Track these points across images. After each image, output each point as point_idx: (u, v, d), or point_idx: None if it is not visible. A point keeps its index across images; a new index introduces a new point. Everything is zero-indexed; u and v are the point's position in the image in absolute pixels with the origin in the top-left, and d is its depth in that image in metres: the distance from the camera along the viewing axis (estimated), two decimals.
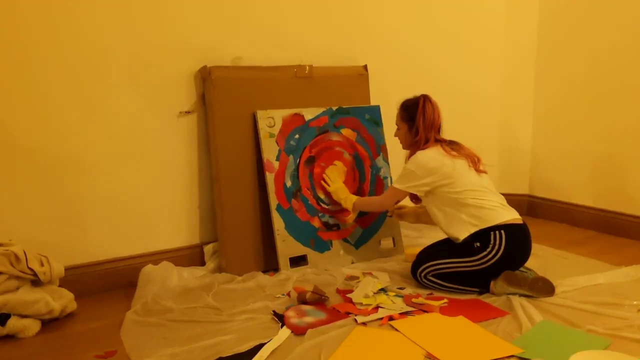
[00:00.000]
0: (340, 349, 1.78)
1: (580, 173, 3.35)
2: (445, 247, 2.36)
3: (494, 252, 2.19)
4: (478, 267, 2.21)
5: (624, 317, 1.97)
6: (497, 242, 2.19)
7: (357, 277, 2.46)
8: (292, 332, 1.92)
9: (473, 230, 2.23)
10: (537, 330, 1.89)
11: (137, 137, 2.49)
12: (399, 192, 2.40)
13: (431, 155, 2.31)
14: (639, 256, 2.70)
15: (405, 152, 2.49)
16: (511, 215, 2.26)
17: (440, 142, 2.36)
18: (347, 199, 2.59)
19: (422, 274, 2.30)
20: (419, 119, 2.35)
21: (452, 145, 2.36)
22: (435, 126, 2.36)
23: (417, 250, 2.52)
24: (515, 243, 2.21)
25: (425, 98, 2.37)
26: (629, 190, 3.09)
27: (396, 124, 2.49)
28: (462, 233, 2.26)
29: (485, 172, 2.35)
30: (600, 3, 3.14)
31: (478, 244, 2.21)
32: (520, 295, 2.17)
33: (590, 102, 3.27)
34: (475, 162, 2.34)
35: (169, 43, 2.51)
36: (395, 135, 2.51)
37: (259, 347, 1.81)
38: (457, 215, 2.28)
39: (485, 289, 2.24)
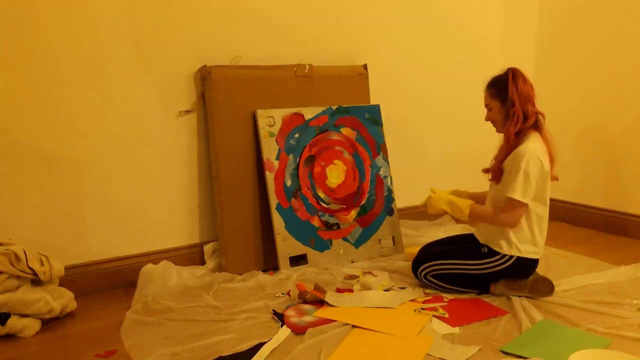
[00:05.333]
0: (340, 348, 1.78)
1: (581, 172, 3.35)
2: (449, 248, 2.31)
3: (499, 262, 2.16)
4: (480, 272, 2.19)
5: (624, 316, 1.97)
6: (507, 258, 2.15)
7: (357, 277, 2.46)
8: (292, 331, 1.92)
9: (529, 256, 2.13)
10: (537, 330, 1.89)
11: (137, 136, 2.49)
12: (524, 208, 2.10)
13: (541, 150, 2.10)
14: (639, 255, 2.70)
15: (495, 139, 2.28)
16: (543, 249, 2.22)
17: (539, 126, 2.16)
18: (462, 203, 2.17)
19: (422, 274, 2.29)
20: (512, 91, 2.12)
21: (541, 132, 2.16)
22: (531, 99, 2.14)
23: (417, 249, 2.51)
24: (521, 268, 2.17)
25: (514, 70, 2.17)
26: (629, 189, 3.09)
27: (486, 106, 2.24)
28: (510, 250, 2.13)
29: (557, 178, 2.19)
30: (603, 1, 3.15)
31: (485, 250, 2.19)
32: (520, 296, 2.17)
33: (589, 101, 3.26)
34: (552, 164, 2.17)
35: (168, 42, 2.51)
36: (487, 119, 2.25)
37: (259, 346, 1.81)
38: (520, 229, 2.12)
39: (484, 291, 2.23)
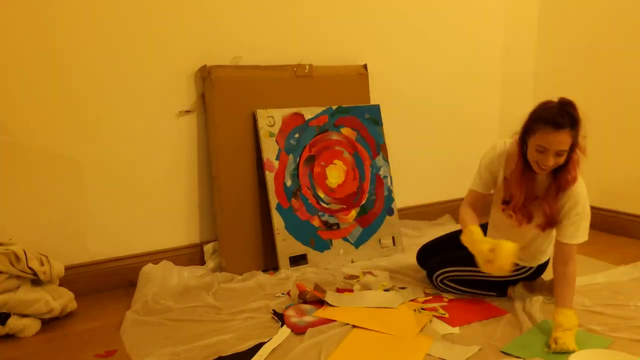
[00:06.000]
0: (340, 348, 1.78)
1: (581, 172, 3.34)
2: (463, 253, 2.07)
3: (522, 272, 2.12)
4: (498, 279, 2.11)
5: (625, 317, 1.97)
6: (526, 268, 2.12)
7: (357, 276, 2.46)
8: (291, 331, 1.92)
9: (544, 260, 2.13)
10: (538, 330, 1.89)
11: (137, 136, 2.49)
12: None
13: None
14: (639, 255, 2.70)
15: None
16: None
17: None
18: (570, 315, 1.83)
19: (439, 279, 2.24)
20: (579, 133, 1.84)
21: None
22: None
23: None
24: (539, 272, 2.17)
25: (572, 102, 1.84)
26: (629, 188, 3.09)
27: (563, 148, 1.82)
28: (541, 259, 2.10)
29: None
30: None
31: None
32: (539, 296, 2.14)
33: (589, 102, 3.26)
34: None
35: (168, 42, 2.51)
36: (553, 165, 1.84)
37: (259, 346, 1.81)
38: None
39: (502, 293, 2.19)
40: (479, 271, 1.99)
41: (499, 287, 2.19)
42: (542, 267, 2.17)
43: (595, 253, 2.75)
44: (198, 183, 2.67)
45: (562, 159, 1.83)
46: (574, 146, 1.85)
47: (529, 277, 2.16)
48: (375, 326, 1.94)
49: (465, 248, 2.00)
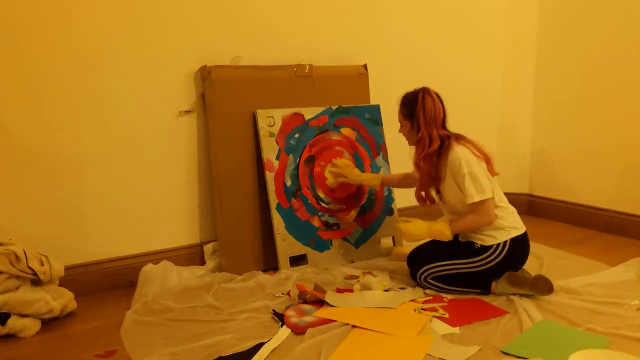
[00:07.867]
0: (340, 348, 1.78)
1: (580, 172, 3.35)
2: (444, 249, 2.29)
3: (495, 254, 2.18)
4: (479, 269, 2.20)
5: (624, 316, 1.97)
6: (500, 246, 2.17)
7: (357, 277, 2.46)
8: (292, 331, 1.92)
9: (514, 234, 2.19)
10: (537, 330, 1.90)
11: (137, 136, 2.49)
12: (490, 201, 2.16)
13: (467, 150, 2.17)
14: (638, 256, 2.70)
15: (412, 149, 2.34)
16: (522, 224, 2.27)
17: (449, 137, 2.20)
18: (440, 226, 2.23)
19: (422, 277, 2.27)
20: (419, 116, 2.20)
21: (461, 140, 2.21)
22: (437, 122, 2.20)
23: (406, 250, 2.53)
24: (517, 250, 2.21)
25: (424, 92, 2.22)
26: (628, 189, 3.09)
27: (399, 121, 2.35)
28: (498, 238, 2.18)
29: (497, 174, 2.23)
30: None
31: (479, 245, 2.20)
32: (521, 295, 2.17)
33: (590, 101, 3.26)
34: (489, 162, 2.21)
35: (168, 42, 2.51)
36: (400, 132, 2.38)
37: (259, 346, 1.81)
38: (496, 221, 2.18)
39: (486, 290, 2.23)
40: (460, 264, 2.21)
41: (482, 283, 2.22)
42: (517, 248, 2.20)
43: (595, 253, 2.76)
44: (198, 183, 2.67)
45: (403, 131, 2.34)
46: (413, 129, 2.26)
47: (508, 261, 2.18)
48: (375, 326, 1.94)
49: (445, 244, 2.26)
